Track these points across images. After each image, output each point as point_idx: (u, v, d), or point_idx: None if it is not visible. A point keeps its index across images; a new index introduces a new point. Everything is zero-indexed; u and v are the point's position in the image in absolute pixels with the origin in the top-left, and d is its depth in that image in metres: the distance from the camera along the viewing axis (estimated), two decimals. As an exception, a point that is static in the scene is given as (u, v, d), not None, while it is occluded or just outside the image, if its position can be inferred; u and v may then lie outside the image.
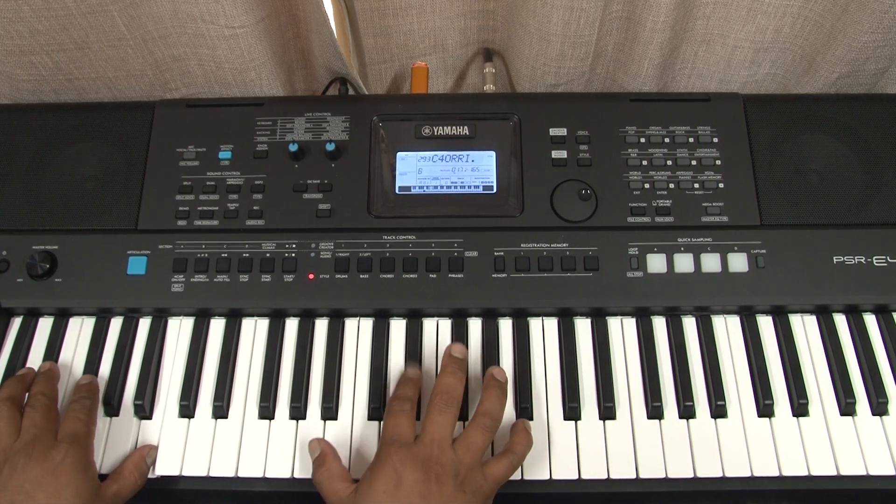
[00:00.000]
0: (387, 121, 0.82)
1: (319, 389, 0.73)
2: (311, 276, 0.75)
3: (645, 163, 0.80)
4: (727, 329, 0.76)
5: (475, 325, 0.76)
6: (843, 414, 0.71)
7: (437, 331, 0.76)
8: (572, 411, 0.71)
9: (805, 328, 0.76)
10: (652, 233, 0.76)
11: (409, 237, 0.77)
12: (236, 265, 0.76)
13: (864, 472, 0.68)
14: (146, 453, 0.69)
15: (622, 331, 0.76)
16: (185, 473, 0.70)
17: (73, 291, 0.75)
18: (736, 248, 0.76)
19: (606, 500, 0.69)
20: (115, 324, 0.77)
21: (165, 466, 0.70)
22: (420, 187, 0.80)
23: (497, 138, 0.81)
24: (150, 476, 0.70)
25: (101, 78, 0.89)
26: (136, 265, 0.76)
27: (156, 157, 0.81)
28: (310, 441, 0.70)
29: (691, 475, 0.68)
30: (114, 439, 0.71)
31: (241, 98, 0.89)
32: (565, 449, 0.70)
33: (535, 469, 0.69)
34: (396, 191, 0.80)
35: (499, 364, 0.74)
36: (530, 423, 0.70)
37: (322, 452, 0.68)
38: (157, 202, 0.79)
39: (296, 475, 0.69)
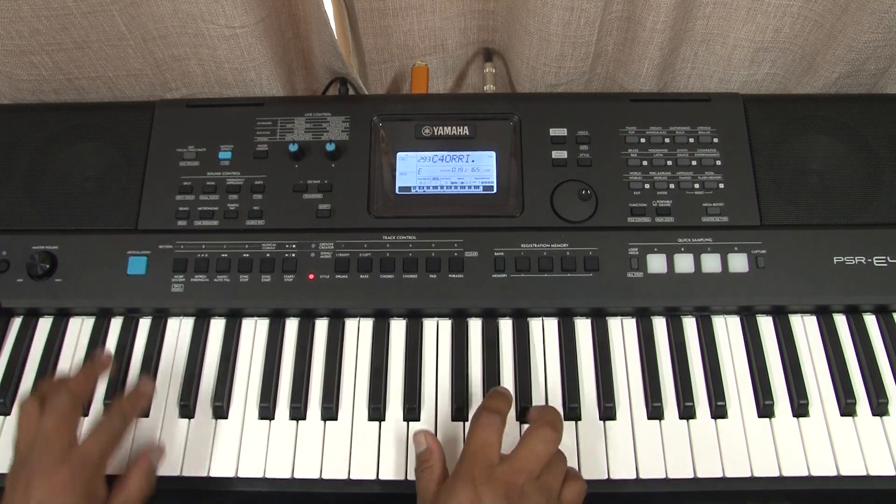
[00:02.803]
0: (387, 121, 0.82)
1: (319, 390, 0.73)
2: (311, 277, 0.75)
3: (645, 163, 0.80)
4: (727, 329, 0.76)
5: (475, 326, 0.76)
6: (843, 414, 0.71)
7: (437, 331, 0.76)
8: (572, 412, 0.71)
9: (805, 328, 0.76)
10: (652, 233, 0.76)
11: (409, 237, 0.77)
12: (236, 265, 0.76)
13: (864, 473, 0.68)
14: (151, 457, 0.66)
15: (622, 331, 0.76)
16: (184, 474, 0.70)
17: (73, 291, 0.75)
18: (736, 249, 0.75)
19: (607, 500, 0.69)
20: (115, 324, 0.77)
21: (165, 467, 0.70)
22: (420, 187, 0.80)
23: (497, 138, 0.81)
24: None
25: (101, 78, 0.89)
26: (136, 265, 0.76)
27: (156, 157, 0.81)
28: (415, 433, 0.68)
29: (691, 475, 0.68)
30: (114, 439, 0.71)
31: (241, 98, 0.89)
32: (565, 449, 0.69)
33: (536, 469, 0.68)
34: (396, 191, 0.80)
35: (499, 364, 0.74)
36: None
37: (428, 449, 0.66)
38: (157, 202, 0.79)
39: (296, 475, 0.69)
